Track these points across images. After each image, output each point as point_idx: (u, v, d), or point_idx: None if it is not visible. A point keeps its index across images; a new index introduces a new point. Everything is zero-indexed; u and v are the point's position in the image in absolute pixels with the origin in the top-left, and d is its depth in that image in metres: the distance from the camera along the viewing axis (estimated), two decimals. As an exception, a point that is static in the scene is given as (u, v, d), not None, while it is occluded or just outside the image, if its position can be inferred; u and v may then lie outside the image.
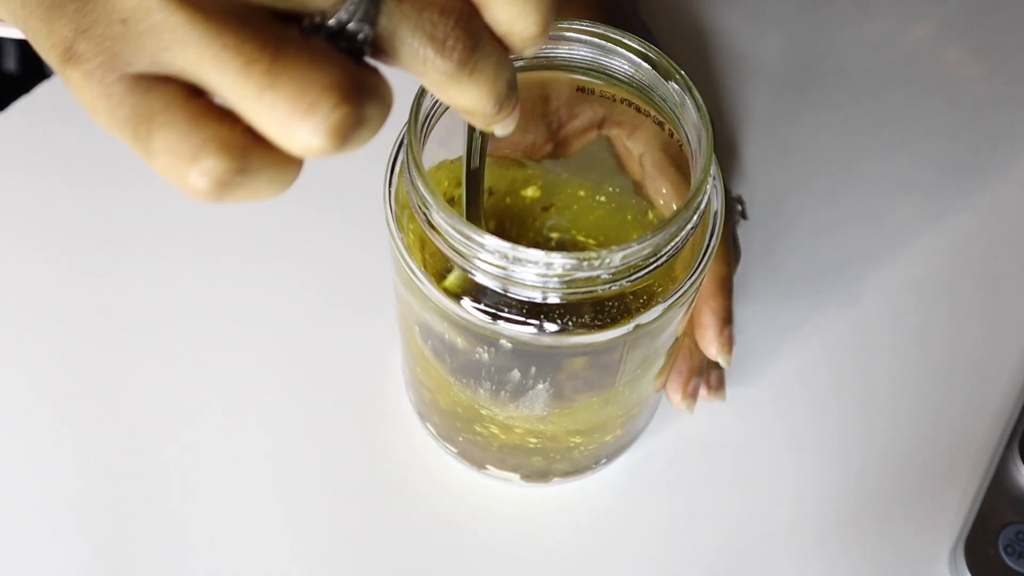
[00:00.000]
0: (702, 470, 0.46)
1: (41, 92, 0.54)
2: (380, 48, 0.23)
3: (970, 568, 0.43)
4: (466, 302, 0.32)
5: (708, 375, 0.45)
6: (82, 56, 0.22)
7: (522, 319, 0.32)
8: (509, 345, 0.33)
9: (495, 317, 0.32)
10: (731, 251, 0.45)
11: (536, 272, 0.30)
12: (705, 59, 0.57)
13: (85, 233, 0.50)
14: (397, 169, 0.34)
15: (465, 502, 0.45)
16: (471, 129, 0.32)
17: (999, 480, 0.45)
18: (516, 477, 0.44)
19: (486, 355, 0.34)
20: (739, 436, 0.47)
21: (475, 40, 0.24)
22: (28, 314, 0.48)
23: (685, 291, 0.33)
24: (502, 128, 0.27)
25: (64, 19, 0.23)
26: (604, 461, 0.45)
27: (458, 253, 0.31)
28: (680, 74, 0.33)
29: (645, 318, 0.32)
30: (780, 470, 0.46)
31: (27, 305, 0.49)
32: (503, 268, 0.30)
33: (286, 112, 0.21)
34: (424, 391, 0.42)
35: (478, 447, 0.42)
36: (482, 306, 0.32)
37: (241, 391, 0.47)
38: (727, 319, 0.43)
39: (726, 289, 0.44)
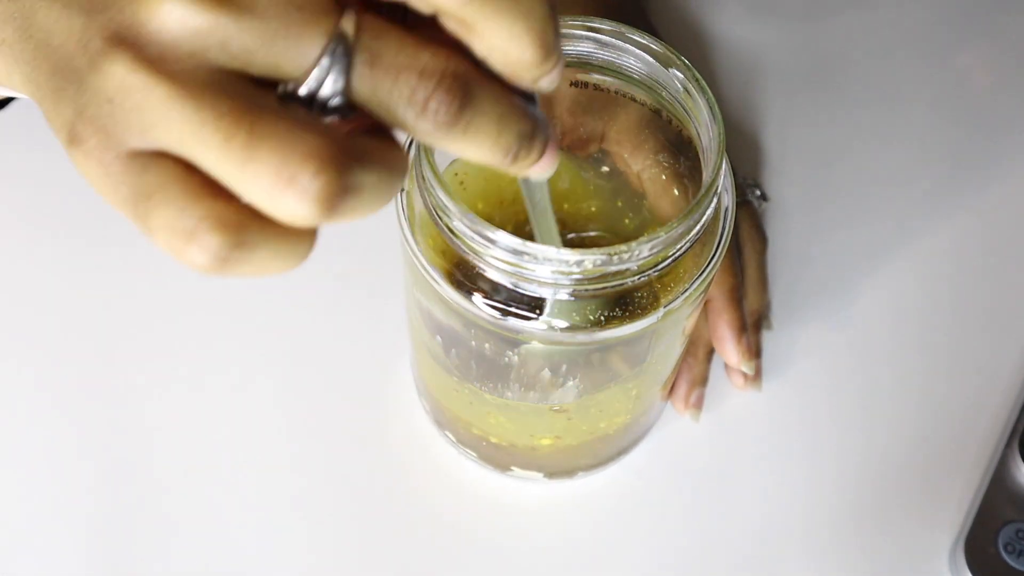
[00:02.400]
0: (705, 469, 0.46)
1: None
2: (363, 110, 0.23)
3: (970, 566, 0.43)
4: (481, 302, 0.33)
5: (735, 371, 0.47)
6: (81, 137, 0.23)
7: (562, 318, 0.32)
8: (540, 346, 0.33)
9: (535, 319, 0.32)
10: (736, 263, 0.46)
11: (563, 270, 0.30)
12: (706, 57, 0.57)
13: (86, 230, 0.50)
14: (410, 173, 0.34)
15: (491, 504, 0.45)
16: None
17: (999, 478, 0.45)
18: (540, 476, 0.44)
19: (516, 358, 0.35)
20: (739, 435, 0.47)
21: (463, 99, 0.23)
22: (29, 313, 0.48)
23: (710, 271, 0.33)
24: (535, 174, 0.26)
25: (66, 101, 0.23)
26: (629, 450, 0.45)
27: (476, 253, 0.31)
28: (687, 66, 0.33)
29: (674, 304, 0.33)
30: (780, 468, 0.46)
31: (28, 304, 0.48)
32: (523, 267, 0.30)
33: (269, 183, 0.21)
34: (442, 401, 0.42)
35: (501, 451, 0.43)
36: (515, 308, 0.32)
37: (248, 401, 0.47)
38: (741, 328, 0.44)
39: (735, 300, 0.45)
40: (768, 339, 0.49)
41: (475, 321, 0.33)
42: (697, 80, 0.33)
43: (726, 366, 0.47)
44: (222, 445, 0.45)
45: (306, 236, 0.23)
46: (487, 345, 0.35)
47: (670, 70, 0.33)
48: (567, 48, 0.34)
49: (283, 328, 0.48)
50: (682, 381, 0.46)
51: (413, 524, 0.44)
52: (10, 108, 0.54)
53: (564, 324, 0.32)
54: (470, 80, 0.23)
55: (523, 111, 0.24)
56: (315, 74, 0.22)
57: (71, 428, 0.45)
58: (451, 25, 0.23)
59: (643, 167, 0.39)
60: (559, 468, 0.44)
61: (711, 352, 0.46)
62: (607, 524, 0.45)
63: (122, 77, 0.22)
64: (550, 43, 0.23)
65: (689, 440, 0.47)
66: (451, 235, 0.31)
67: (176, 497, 0.44)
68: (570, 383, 0.36)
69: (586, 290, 0.31)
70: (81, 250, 0.50)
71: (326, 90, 0.22)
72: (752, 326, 0.47)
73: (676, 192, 0.38)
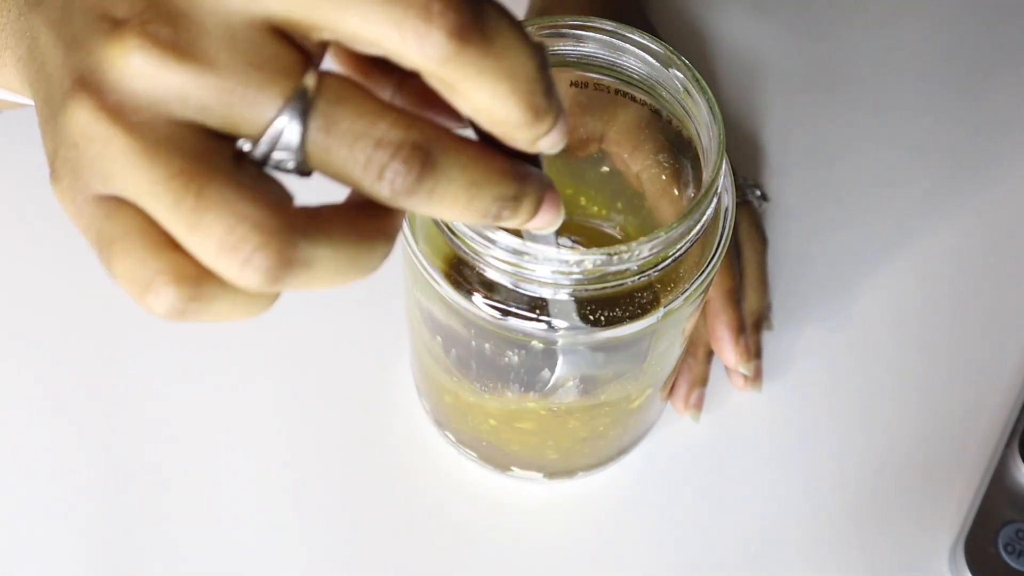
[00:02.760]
0: (705, 469, 0.46)
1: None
2: (318, 171, 0.22)
3: (970, 566, 0.43)
4: (481, 302, 0.33)
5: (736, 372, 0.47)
6: (58, 173, 0.23)
7: (562, 318, 0.32)
8: (540, 346, 0.33)
9: (534, 319, 0.32)
10: (735, 264, 0.46)
11: (563, 270, 0.30)
12: (706, 57, 0.57)
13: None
14: None
15: (491, 504, 0.45)
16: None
17: (999, 478, 0.45)
18: (540, 476, 0.44)
19: (516, 358, 0.35)
20: (739, 436, 0.47)
21: (422, 168, 0.22)
22: (29, 313, 0.48)
23: (710, 271, 0.33)
24: (535, 230, 0.25)
25: (48, 135, 0.23)
26: (628, 450, 0.45)
27: (476, 253, 0.31)
28: (687, 67, 0.33)
29: (674, 304, 0.33)
30: (780, 469, 0.46)
31: (28, 304, 0.48)
32: (525, 268, 0.30)
33: (214, 250, 0.21)
34: (442, 401, 0.42)
35: (501, 451, 0.43)
36: (515, 308, 0.32)
37: (248, 401, 0.47)
38: (739, 329, 0.44)
39: (734, 301, 0.45)
40: (768, 339, 0.49)
41: (475, 321, 0.33)
42: (697, 80, 0.33)
43: (726, 366, 0.47)
44: (222, 445, 0.45)
45: (246, 297, 0.23)
46: (487, 345, 0.35)
47: (670, 70, 0.33)
48: (567, 48, 0.34)
49: (283, 328, 0.48)
50: (682, 381, 0.46)
51: (413, 524, 0.44)
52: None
53: (564, 324, 0.32)
54: (434, 148, 0.22)
55: (504, 173, 0.23)
56: (268, 136, 0.22)
57: (71, 428, 0.45)
58: (434, 83, 0.22)
59: (643, 167, 0.39)
60: (559, 468, 0.44)
61: (711, 352, 0.47)
62: (607, 524, 0.45)
63: (85, 123, 0.22)
64: (540, 104, 0.22)
65: (689, 440, 0.47)
66: (451, 235, 0.31)
67: (176, 497, 0.44)
68: (570, 383, 0.36)
69: (586, 290, 0.31)
70: (80, 251, 0.50)
71: (279, 153, 0.22)
72: (752, 327, 0.47)
73: (676, 192, 0.38)
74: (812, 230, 0.52)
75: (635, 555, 0.44)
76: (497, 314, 0.32)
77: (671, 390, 0.46)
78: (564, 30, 0.34)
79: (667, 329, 0.35)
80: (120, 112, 0.21)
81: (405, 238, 0.34)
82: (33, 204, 0.51)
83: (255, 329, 0.48)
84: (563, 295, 0.31)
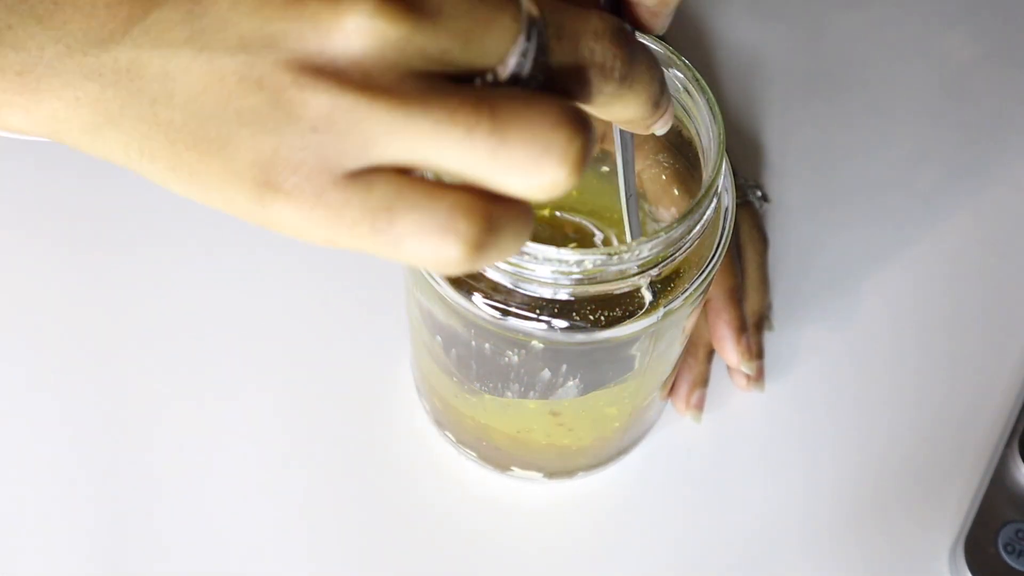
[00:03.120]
0: (705, 469, 0.46)
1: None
2: (549, 88, 0.23)
3: (970, 566, 0.43)
4: (481, 302, 0.33)
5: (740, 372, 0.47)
6: (280, 178, 0.22)
7: (557, 318, 0.32)
8: (540, 346, 0.33)
9: (534, 319, 0.32)
10: (736, 264, 0.46)
11: (563, 270, 0.30)
12: (707, 57, 0.57)
13: (87, 230, 0.50)
14: None
15: (491, 504, 0.45)
16: (623, 139, 0.32)
17: (999, 478, 0.45)
18: (540, 476, 0.44)
19: (516, 357, 0.35)
20: (739, 436, 0.47)
21: (630, 51, 0.25)
22: (29, 312, 0.48)
23: (710, 271, 0.33)
24: (663, 125, 0.28)
25: (242, 148, 0.22)
26: (629, 450, 0.45)
27: None
28: (687, 67, 0.33)
29: (674, 304, 0.33)
30: (780, 469, 0.46)
31: (28, 303, 0.48)
32: (525, 268, 0.30)
33: (525, 161, 0.22)
34: (442, 401, 0.42)
35: (501, 451, 0.43)
36: (515, 308, 0.32)
37: (248, 402, 0.47)
38: (741, 328, 0.44)
39: (735, 301, 0.45)
40: (769, 340, 0.49)
41: (475, 321, 0.33)
42: (697, 80, 0.33)
43: (728, 366, 0.47)
44: (222, 446, 0.45)
45: (530, 215, 0.23)
46: (487, 345, 0.35)
47: (670, 70, 0.33)
48: None
49: (283, 329, 0.48)
50: (682, 382, 0.46)
51: (413, 524, 0.44)
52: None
53: (564, 324, 0.32)
54: (627, 32, 0.25)
55: (657, 61, 0.26)
56: (516, 57, 0.22)
57: (70, 429, 0.45)
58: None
59: (643, 167, 0.39)
60: (559, 468, 0.44)
61: (711, 352, 0.47)
62: (607, 524, 0.45)
63: (328, 104, 0.21)
64: (661, 103, 0.27)
65: (689, 441, 0.47)
66: None
67: (176, 498, 0.44)
68: (570, 383, 0.36)
69: (587, 290, 0.31)
70: (80, 249, 0.50)
71: (528, 69, 0.23)
72: (753, 327, 0.47)
73: (676, 192, 0.38)
74: (813, 230, 0.52)
75: (635, 555, 0.44)
76: (497, 314, 0.32)
77: (671, 390, 0.46)
78: None
79: (667, 329, 0.35)
80: (367, 80, 0.21)
81: None
82: (34, 201, 0.51)
83: (255, 330, 0.48)
84: (564, 295, 0.31)
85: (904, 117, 0.56)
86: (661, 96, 0.26)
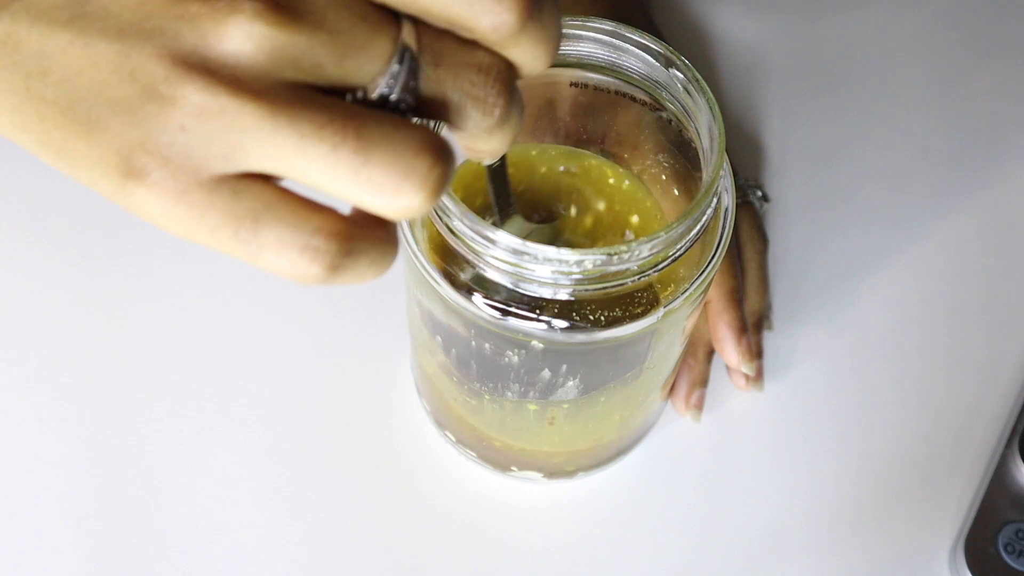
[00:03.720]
0: (705, 469, 0.46)
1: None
2: (421, 113, 0.24)
3: (970, 566, 0.43)
4: (481, 302, 0.33)
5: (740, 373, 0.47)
6: (143, 170, 0.22)
7: (558, 318, 0.32)
8: (540, 346, 0.33)
9: (535, 319, 0.32)
10: (736, 264, 0.46)
11: (563, 270, 0.30)
12: (707, 57, 0.57)
13: (86, 231, 0.50)
14: None
15: (491, 504, 0.45)
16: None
17: (999, 478, 0.45)
18: (540, 476, 0.44)
19: (516, 358, 0.35)
20: (739, 436, 0.47)
21: (511, 92, 0.24)
22: (29, 313, 0.48)
23: (710, 271, 0.33)
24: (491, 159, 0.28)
25: (110, 133, 0.22)
26: (629, 450, 0.45)
27: (476, 253, 0.31)
28: (688, 66, 0.33)
29: (674, 304, 0.33)
30: (780, 469, 0.46)
31: (28, 304, 0.48)
32: (525, 268, 0.30)
33: (385, 182, 0.22)
34: (442, 401, 0.42)
35: (501, 451, 0.43)
36: (515, 308, 0.32)
37: (248, 403, 0.46)
38: (741, 329, 0.44)
39: (736, 301, 0.45)
40: (769, 340, 0.49)
41: (475, 321, 0.33)
42: (697, 80, 0.33)
43: (728, 367, 0.47)
44: (222, 447, 0.45)
45: (395, 243, 0.24)
46: (487, 345, 0.35)
47: (670, 70, 0.33)
48: (567, 48, 0.34)
49: (282, 330, 0.48)
50: (682, 382, 0.46)
51: (413, 524, 0.44)
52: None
53: (564, 324, 0.32)
54: (511, 73, 0.25)
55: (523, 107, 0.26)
56: (386, 79, 0.23)
57: (70, 431, 0.45)
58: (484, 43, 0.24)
59: (643, 168, 0.39)
60: (559, 468, 0.44)
61: (711, 353, 0.47)
62: (607, 524, 0.45)
63: (200, 102, 0.21)
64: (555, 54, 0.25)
65: (689, 441, 0.47)
66: (451, 235, 0.31)
67: (176, 500, 0.44)
68: (570, 383, 0.36)
69: (586, 290, 0.31)
70: (80, 251, 0.50)
71: (396, 93, 0.23)
72: (753, 327, 0.47)
73: (676, 193, 0.38)
74: (813, 230, 0.52)
75: (635, 555, 0.44)
76: (497, 314, 0.32)
77: (671, 390, 0.46)
78: (563, 30, 0.34)
79: (667, 329, 0.35)
80: (240, 83, 0.21)
81: (405, 238, 0.34)
82: (34, 201, 0.51)
83: (255, 331, 0.48)
84: (564, 295, 0.31)
85: (905, 117, 0.56)
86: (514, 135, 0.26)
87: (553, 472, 0.44)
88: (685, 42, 0.57)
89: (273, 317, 0.48)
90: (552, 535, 0.44)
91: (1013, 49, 0.59)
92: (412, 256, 0.34)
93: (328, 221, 0.23)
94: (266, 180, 0.23)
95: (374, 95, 0.23)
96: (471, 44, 0.24)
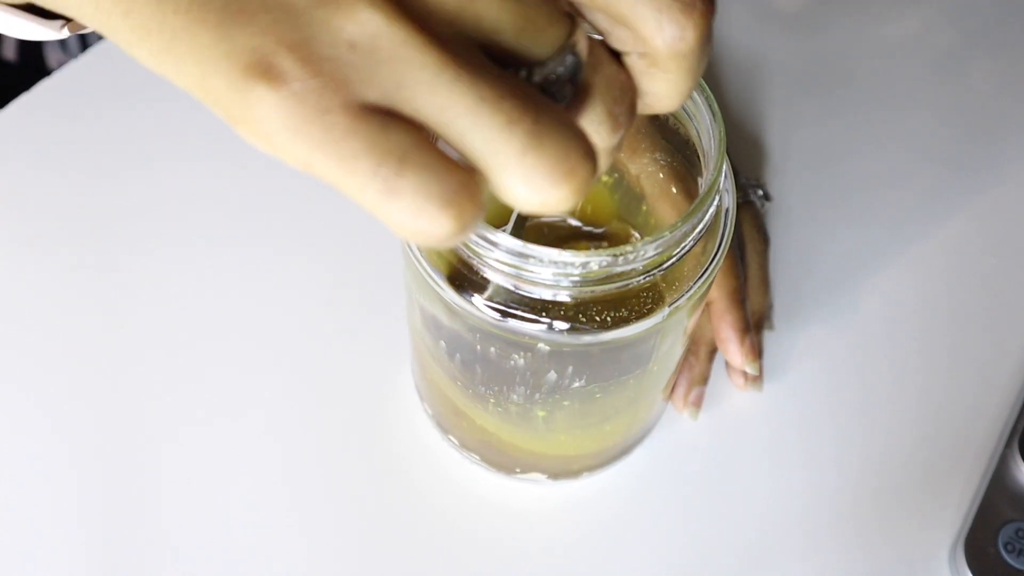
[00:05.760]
0: (706, 469, 0.46)
1: (42, 89, 0.54)
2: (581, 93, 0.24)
3: (970, 565, 0.43)
4: (483, 305, 0.33)
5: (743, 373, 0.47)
6: (286, 75, 0.20)
7: (562, 320, 0.32)
8: (547, 348, 0.33)
9: (538, 321, 0.32)
10: (738, 264, 0.46)
11: (567, 272, 0.30)
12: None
13: (86, 233, 0.50)
14: None
15: (495, 506, 0.45)
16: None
17: (999, 478, 0.45)
18: (544, 477, 0.44)
19: (522, 360, 0.35)
20: (740, 436, 0.47)
21: (633, 118, 0.24)
22: (29, 314, 0.48)
23: (712, 270, 0.34)
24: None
25: (254, 27, 0.20)
26: (631, 449, 0.45)
27: (478, 256, 0.31)
28: None
29: (678, 303, 0.33)
30: (781, 469, 0.46)
31: (28, 305, 0.48)
32: (528, 270, 0.30)
33: (546, 174, 0.21)
34: (445, 406, 0.42)
35: (504, 454, 0.43)
36: (518, 311, 0.32)
37: (250, 407, 0.46)
38: (745, 329, 0.45)
39: (738, 301, 0.45)
40: (769, 340, 0.49)
41: (478, 325, 0.33)
42: (701, 87, 0.33)
43: (727, 366, 0.47)
44: (224, 452, 0.45)
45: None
46: (492, 348, 0.35)
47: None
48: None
49: (284, 333, 0.48)
50: (682, 379, 0.46)
51: (418, 527, 0.44)
52: (10, 106, 0.54)
53: (567, 326, 0.32)
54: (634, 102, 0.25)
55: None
56: (554, 65, 0.22)
57: (70, 431, 0.45)
58: (635, 60, 0.25)
59: (641, 168, 0.39)
60: (563, 469, 0.44)
61: (713, 352, 0.47)
62: (611, 525, 0.45)
63: (378, 26, 0.20)
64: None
65: (691, 441, 0.47)
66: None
67: (176, 502, 0.44)
68: (576, 384, 0.36)
69: (592, 291, 0.31)
70: (81, 252, 0.50)
71: (558, 84, 0.23)
72: (754, 326, 0.47)
73: (675, 191, 0.38)
74: (814, 230, 0.52)
75: (639, 554, 0.44)
76: (499, 316, 0.32)
77: (672, 389, 0.46)
78: None
79: (671, 328, 0.35)
80: (424, 22, 0.20)
81: (411, 254, 0.34)
82: (34, 202, 0.51)
83: (257, 334, 0.48)
84: (566, 296, 0.31)
85: (906, 116, 0.56)
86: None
87: (557, 473, 0.44)
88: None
89: (274, 320, 0.48)
90: (556, 536, 0.44)
91: (1013, 49, 0.59)
92: (414, 260, 0.34)
93: (470, 180, 0.21)
94: (413, 124, 0.21)
95: (539, 77, 0.22)
96: (620, 63, 0.24)
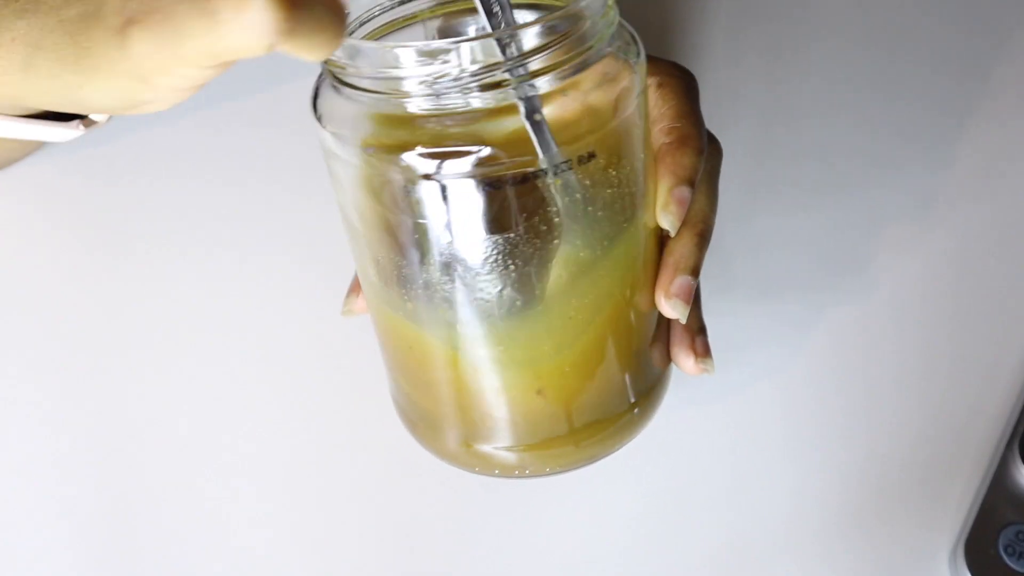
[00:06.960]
0: (705, 469, 0.46)
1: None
2: None
3: (970, 568, 0.43)
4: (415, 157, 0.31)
5: (693, 342, 0.40)
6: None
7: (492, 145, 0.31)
8: (490, 182, 0.31)
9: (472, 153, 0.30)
10: (714, 206, 0.40)
11: (463, 67, 0.29)
12: (699, 45, 0.57)
13: (86, 235, 0.50)
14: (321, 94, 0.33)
15: (495, 506, 0.45)
16: None
17: (999, 480, 0.45)
18: (527, 457, 0.39)
19: (496, 206, 0.32)
20: (740, 433, 0.47)
21: None
22: (29, 315, 0.48)
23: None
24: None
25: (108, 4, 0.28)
26: (638, 423, 0.41)
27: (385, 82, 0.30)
28: None
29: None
30: (781, 468, 0.46)
31: (28, 306, 0.48)
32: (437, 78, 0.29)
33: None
34: (413, 386, 0.40)
35: (482, 431, 0.39)
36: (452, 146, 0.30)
37: (247, 406, 0.46)
38: (699, 329, 0.40)
39: (699, 247, 0.38)
40: (769, 340, 0.49)
41: (441, 184, 0.31)
42: None
43: (672, 348, 0.41)
44: (222, 450, 0.45)
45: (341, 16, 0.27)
46: (445, 220, 0.32)
47: None
48: None
49: (281, 331, 0.48)
50: (665, 266, 0.38)
51: (416, 527, 0.44)
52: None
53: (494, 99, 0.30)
54: None
55: None
56: None
57: (70, 431, 0.45)
58: None
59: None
60: (554, 428, 0.38)
61: (701, 237, 0.38)
62: (612, 525, 0.45)
63: None
64: None
65: (689, 440, 0.47)
66: (354, 89, 0.31)
67: (175, 503, 0.44)
68: (551, 235, 0.33)
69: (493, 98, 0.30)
70: (80, 254, 0.50)
71: None
72: (699, 237, 0.38)
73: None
74: (813, 231, 0.52)
75: (638, 554, 0.44)
76: (435, 164, 0.31)
77: (667, 353, 0.41)
78: None
79: (626, 131, 0.33)
80: None
81: (320, 137, 0.33)
82: (34, 203, 0.51)
83: (255, 332, 0.48)
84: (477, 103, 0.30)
85: (905, 116, 0.56)
86: None
87: (555, 437, 0.39)
88: (675, 36, 0.57)
89: (274, 321, 0.48)
90: (556, 536, 0.44)
91: (1013, 49, 0.59)
92: (332, 153, 0.32)
93: None
94: None
95: None
96: None
